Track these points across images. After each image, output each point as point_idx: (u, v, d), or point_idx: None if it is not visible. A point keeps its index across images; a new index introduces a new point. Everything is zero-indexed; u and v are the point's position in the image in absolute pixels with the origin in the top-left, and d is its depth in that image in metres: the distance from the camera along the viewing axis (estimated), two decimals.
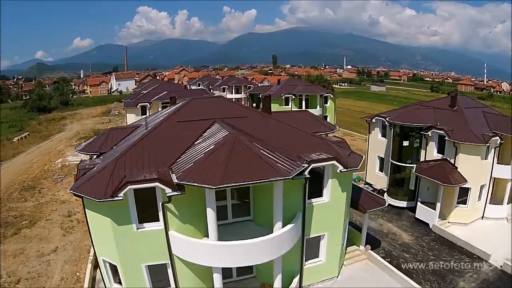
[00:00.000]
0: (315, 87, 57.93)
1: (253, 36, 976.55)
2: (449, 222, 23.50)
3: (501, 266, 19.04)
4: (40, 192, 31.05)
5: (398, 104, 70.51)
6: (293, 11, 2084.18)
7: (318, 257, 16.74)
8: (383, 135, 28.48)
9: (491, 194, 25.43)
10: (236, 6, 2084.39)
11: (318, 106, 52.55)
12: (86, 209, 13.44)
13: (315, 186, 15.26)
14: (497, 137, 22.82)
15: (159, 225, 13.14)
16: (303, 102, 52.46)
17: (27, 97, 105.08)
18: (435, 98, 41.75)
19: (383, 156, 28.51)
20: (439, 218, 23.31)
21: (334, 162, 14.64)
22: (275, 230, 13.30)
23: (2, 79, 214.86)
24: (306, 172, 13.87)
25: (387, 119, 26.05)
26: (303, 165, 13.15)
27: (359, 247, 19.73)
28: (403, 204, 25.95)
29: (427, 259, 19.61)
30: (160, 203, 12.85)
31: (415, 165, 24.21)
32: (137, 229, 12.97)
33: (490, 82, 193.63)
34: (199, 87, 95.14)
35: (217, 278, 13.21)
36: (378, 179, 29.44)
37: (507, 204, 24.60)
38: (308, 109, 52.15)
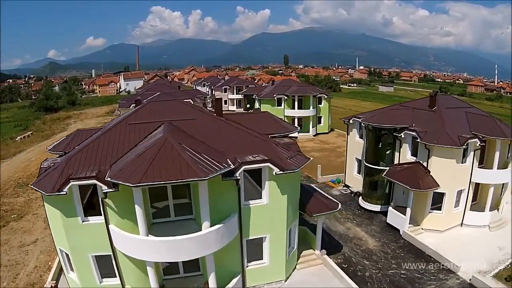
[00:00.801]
0: (309, 87, 56.66)
1: (267, 36, 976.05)
2: (422, 229, 22.16)
3: (470, 280, 17.59)
4: (32, 189, 31.52)
5: None
6: (307, 11, 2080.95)
7: (262, 259, 16.62)
8: (361, 137, 27.28)
9: (473, 200, 24.08)
10: (249, 6, 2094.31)
11: (311, 107, 51.65)
12: (44, 202, 14.65)
13: (256, 188, 15.37)
14: (476, 139, 21.33)
15: (101, 219, 13.97)
16: (296, 103, 51.65)
17: (35, 97, 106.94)
18: None
19: (360, 158, 27.31)
20: (411, 224, 22.06)
21: (268, 164, 14.54)
22: (203, 229, 13.55)
23: (13, 78, 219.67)
24: (238, 174, 14.15)
25: (360, 119, 24.84)
26: (226, 166, 13.15)
27: (314, 251, 18.92)
28: (377, 208, 24.73)
29: (388, 267, 18.43)
30: (100, 199, 13.68)
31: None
32: (83, 221, 14.00)
33: (501, 83, 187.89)
34: (203, 87, 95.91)
35: (151, 272, 13.81)
36: (356, 181, 28.24)
37: (490, 211, 23.09)
38: (301, 110, 51.77)
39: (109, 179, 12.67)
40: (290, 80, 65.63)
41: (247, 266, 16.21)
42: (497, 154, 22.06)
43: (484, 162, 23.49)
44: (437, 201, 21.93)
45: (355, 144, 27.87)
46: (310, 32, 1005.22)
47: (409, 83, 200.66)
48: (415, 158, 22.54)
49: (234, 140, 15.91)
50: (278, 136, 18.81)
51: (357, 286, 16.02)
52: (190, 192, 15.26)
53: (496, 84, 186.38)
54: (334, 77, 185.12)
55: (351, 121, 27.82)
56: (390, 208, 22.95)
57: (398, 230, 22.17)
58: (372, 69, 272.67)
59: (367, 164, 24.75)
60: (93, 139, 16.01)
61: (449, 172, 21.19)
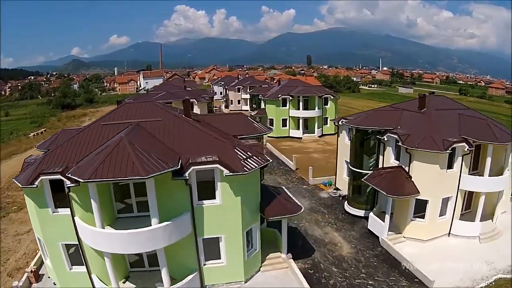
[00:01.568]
0: (315, 88, 55.53)
1: (292, 36, 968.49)
2: (404, 237, 21.10)
3: None
4: None
5: None
6: (332, 12, 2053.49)
7: (220, 258, 16.77)
8: (350, 139, 26.36)
9: (467, 208, 22.80)
10: (274, 6, 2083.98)
11: (317, 108, 50.68)
12: (24, 195, 15.94)
13: (211, 188, 15.58)
14: (464, 143, 20.07)
15: (68, 211, 14.99)
16: (301, 103, 50.82)
17: (54, 94, 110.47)
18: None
19: (349, 161, 26.40)
20: (393, 231, 21.06)
21: (217, 165, 14.65)
22: (152, 225, 14.06)
23: (35, 75, 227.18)
24: (187, 174, 14.48)
25: (344, 122, 24.01)
26: (172, 166, 13.54)
27: (281, 254, 18.50)
28: (361, 213, 23.84)
29: (355, 276, 17.63)
30: (66, 193, 14.65)
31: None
32: (53, 212, 15.20)
33: None
34: (219, 87, 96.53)
35: (108, 262, 14.59)
36: (345, 184, 27.31)
37: (481, 221, 21.68)
38: (306, 110, 50.89)
39: (69, 175, 13.71)
40: (297, 81, 64.58)
41: (204, 265, 16.49)
42: (488, 159, 20.72)
43: (478, 168, 22.19)
44: (421, 209, 20.76)
45: (344, 147, 26.92)
46: (334, 32, 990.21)
47: (430, 85, 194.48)
48: (398, 162, 21.54)
49: (193, 140, 16.15)
50: (249, 137, 18.55)
51: None
52: None
53: None
54: (354, 78, 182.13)
55: (340, 123, 26.97)
56: (371, 213, 22.01)
57: (378, 238, 21.22)
58: (395, 70, 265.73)
59: (351, 167, 23.89)
60: (70, 138, 16.93)
61: (432, 178, 20.04)
